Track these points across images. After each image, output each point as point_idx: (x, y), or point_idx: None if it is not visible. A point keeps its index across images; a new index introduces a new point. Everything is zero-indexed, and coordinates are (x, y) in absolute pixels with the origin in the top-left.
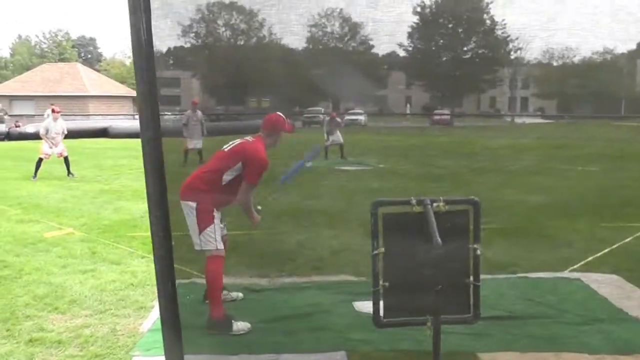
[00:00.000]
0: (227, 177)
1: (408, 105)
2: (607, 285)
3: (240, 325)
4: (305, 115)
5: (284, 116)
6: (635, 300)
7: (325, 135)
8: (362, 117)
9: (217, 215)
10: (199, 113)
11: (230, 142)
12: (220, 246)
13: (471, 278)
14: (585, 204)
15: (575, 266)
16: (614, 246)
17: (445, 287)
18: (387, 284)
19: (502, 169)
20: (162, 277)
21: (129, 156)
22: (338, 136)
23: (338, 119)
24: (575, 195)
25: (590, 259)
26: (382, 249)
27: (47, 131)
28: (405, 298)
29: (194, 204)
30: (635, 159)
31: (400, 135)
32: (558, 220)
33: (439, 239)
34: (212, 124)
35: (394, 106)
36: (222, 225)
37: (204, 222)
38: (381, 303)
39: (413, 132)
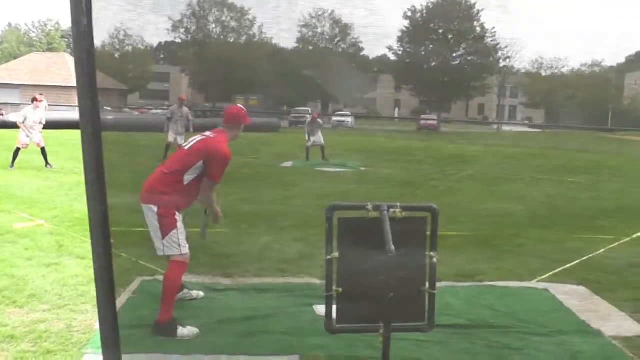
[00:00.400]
0: (188, 177)
1: (397, 109)
2: (574, 297)
3: (185, 331)
4: (293, 115)
5: (244, 109)
6: (600, 312)
7: (307, 135)
8: (349, 119)
9: (179, 217)
10: (185, 109)
11: (190, 140)
12: (185, 251)
13: (427, 286)
14: (561, 215)
15: (543, 276)
16: (584, 258)
17: (399, 294)
18: (340, 289)
19: (483, 176)
20: (100, 275)
21: (110, 150)
22: (319, 137)
23: (320, 120)
24: (552, 206)
25: (559, 269)
26: (336, 254)
27: (24, 119)
28: (358, 304)
29: (155, 208)
30: (615, 171)
31: (387, 139)
32: (531, 230)
33: (392, 246)
34: (198, 120)
35: (382, 109)
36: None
37: (166, 226)
38: (334, 308)
39: (399, 136)
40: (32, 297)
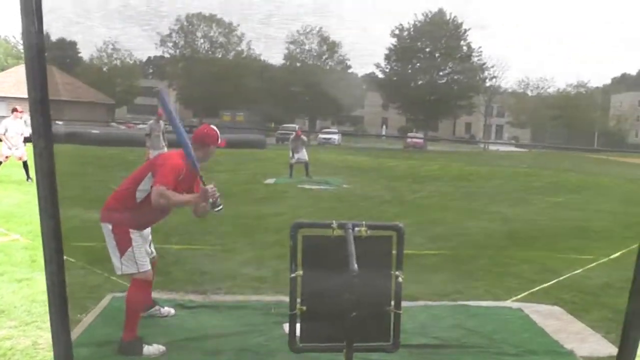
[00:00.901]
0: (140, 194)
1: (384, 127)
2: (548, 317)
3: (152, 349)
4: (280, 131)
5: (216, 130)
6: (573, 332)
7: (290, 152)
8: (336, 137)
9: (135, 236)
10: (162, 124)
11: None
12: (144, 268)
13: (392, 305)
14: (542, 234)
15: (518, 296)
16: (561, 277)
17: (363, 314)
18: (304, 307)
19: (467, 195)
20: (53, 291)
21: (92, 163)
22: (303, 154)
23: (304, 137)
24: (534, 225)
25: (535, 289)
26: (300, 272)
27: (5, 130)
28: (322, 323)
29: (110, 226)
30: (599, 191)
31: (372, 157)
32: (511, 250)
33: (355, 265)
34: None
35: (370, 127)
36: (149, 246)
37: (122, 244)
38: (298, 327)
39: (385, 154)
40: (0, 313)
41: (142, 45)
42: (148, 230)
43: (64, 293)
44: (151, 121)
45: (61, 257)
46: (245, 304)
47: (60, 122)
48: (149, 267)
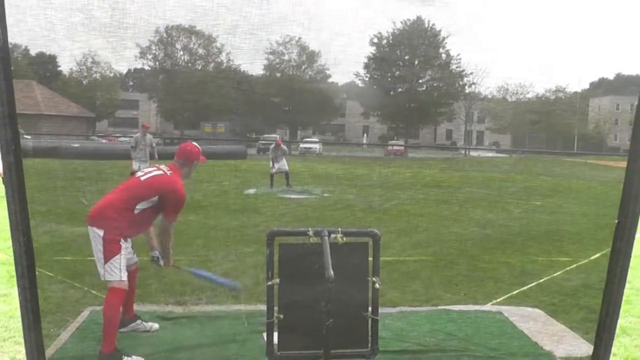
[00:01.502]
0: (140, 206)
1: (365, 135)
2: (528, 319)
3: None
4: (261, 142)
5: (198, 146)
6: (551, 333)
7: (271, 162)
8: (317, 146)
9: (125, 244)
10: (149, 137)
11: (147, 171)
12: (124, 277)
13: (369, 311)
14: (522, 238)
15: (498, 299)
16: (540, 280)
17: (340, 321)
18: (282, 316)
19: (448, 200)
20: (25, 307)
21: (74, 177)
22: (284, 164)
23: (284, 147)
24: (514, 229)
25: (515, 292)
26: (277, 280)
27: None
28: (300, 331)
29: (101, 232)
30: (577, 195)
31: (353, 165)
32: (491, 254)
33: (332, 272)
34: (166, 147)
35: (351, 136)
36: (132, 252)
37: (110, 252)
38: (276, 335)
39: (366, 162)
40: None
41: (122, 58)
42: None
43: (37, 308)
44: (137, 134)
45: (33, 273)
46: (225, 313)
47: (28, 137)
48: (126, 276)
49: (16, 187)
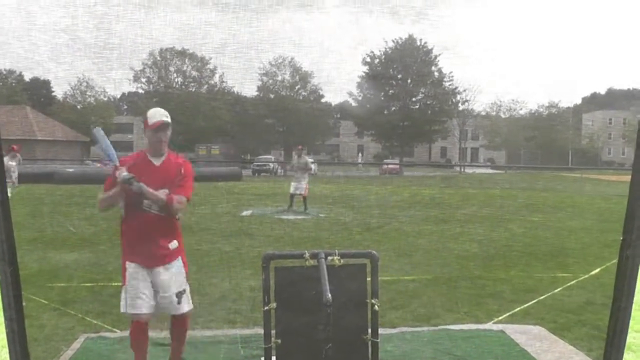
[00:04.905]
0: (121, 209)
1: (359, 155)
2: (530, 337)
3: None
4: (255, 163)
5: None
6: (556, 352)
7: (293, 169)
8: (312, 166)
9: (131, 270)
10: None
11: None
12: (132, 310)
13: (369, 334)
14: (521, 254)
15: (500, 317)
16: (541, 297)
17: (339, 344)
18: (279, 341)
19: (446, 219)
20: (12, 339)
21: (71, 203)
22: (302, 185)
23: (305, 156)
24: (513, 246)
25: (516, 310)
26: (274, 305)
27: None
28: (298, 357)
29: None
30: (574, 210)
31: (348, 185)
32: (491, 271)
33: (329, 295)
34: None
35: (346, 155)
36: (148, 284)
37: (123, 280)
38: None
39: (361, 182)
40: None
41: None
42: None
43: (24, 340)
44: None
45: (20, 303)
46: (222, 338)
47: (13, 163)
48: (142, 310)
49: (1, 216)
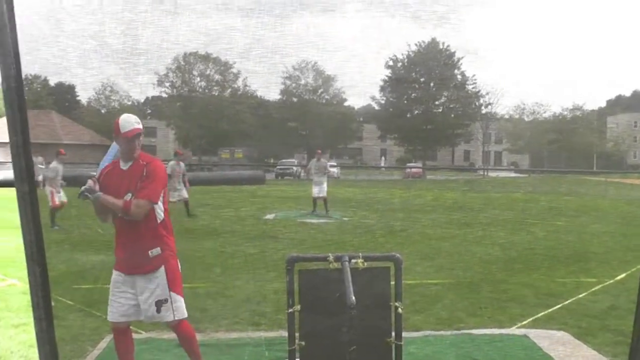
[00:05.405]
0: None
1: (382, 158)
2: (554, 343)
3: None
4: (278, 167)
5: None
6: (579, 357)
7: (309, 174)
8: (335, 170)
9: (115, 277)
10: (182, 165)
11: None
12: (108, 317)
13: (393, 337)
14: (543, 258)
15: (523, 322)
16: (566, 302)
17: (363, 347)
18: (303, 343)
19: (469, 222)
20: (41, 337)
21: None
22: (324, 187)
23: (324, 160)
24: (536, 250)
25: (540, 315)
26: (298, 307)
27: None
28: (322, 358)
29: None
30: (598, 214)
31: (372, 188)
32: (514, 275)
33: (353, 298)
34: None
35: (369, 159)
36: (132, 298)
37: None
38: None
39: (385, 185)
40: None
41: (136, 84)
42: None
43: (53, 339)
44: (172, 162)
45: (49, 303)
46: (246, 340)
47: (42, 165)
48: (115, 318)
49: (31, 218)
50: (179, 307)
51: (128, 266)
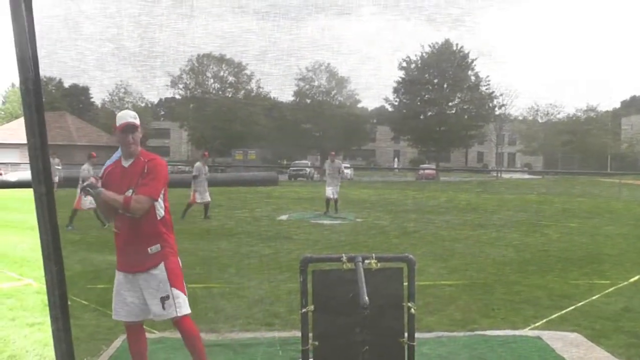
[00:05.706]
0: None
1: (396, 160)
2: (568, 344)
3: None
4: (292, 168)
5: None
6: (593, 359)
7: (325, 176)
8: (348, 171)
9: (118, 277)
10: (207, 167)
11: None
12: (114, 317)
13: (405, 337)
14: (557, 260)
15: (537, 324)
16: (579, 304)
17: (376, 347)
18: (317, 343)
19: (483, 223)
20: (58, 336)
21: None
22: (336, 189)
23: (338, 162)
24: (550, 252)
25: (553, 316)
26: (311, 307)
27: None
28: (336, 358)
29: None
30: (612, 215)
31: (385, 190)
32: (527, 276)
33: (366, 298)
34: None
35: (382, 160)
36: (133, 296)
37: None
38: None
39: (398, 186)
40: (12, 358)
41: (153, 86)
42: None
43: (69, 338)
44: (198, 163)
45: (65, 302)
46: (260, 340)
47: (59, 167)
48: (122, 318)
49: (48, 218)
50: (181, 303)
51: (129, 265)
